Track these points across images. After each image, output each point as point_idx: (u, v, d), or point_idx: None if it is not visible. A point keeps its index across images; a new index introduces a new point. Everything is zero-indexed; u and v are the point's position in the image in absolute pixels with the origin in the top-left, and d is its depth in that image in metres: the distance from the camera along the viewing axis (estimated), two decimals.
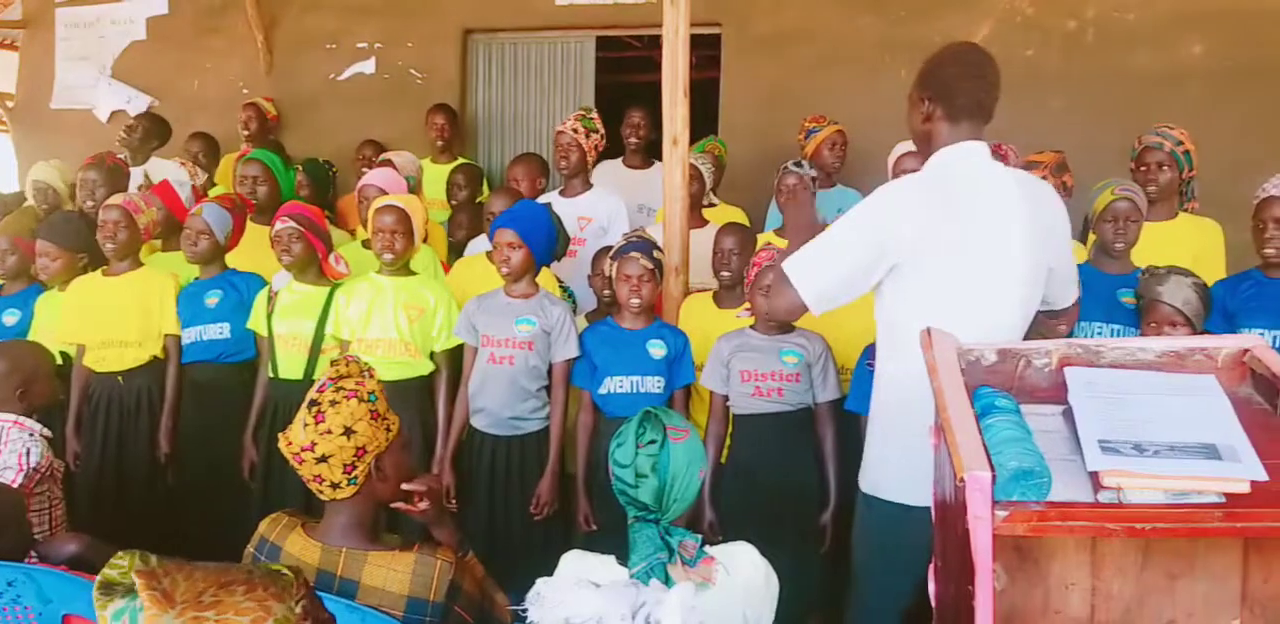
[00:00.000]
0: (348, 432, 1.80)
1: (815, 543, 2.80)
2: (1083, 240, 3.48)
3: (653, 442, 1.71)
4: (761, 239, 3.44)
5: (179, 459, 3.46)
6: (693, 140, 3.62)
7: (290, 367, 3.30)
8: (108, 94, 6.10)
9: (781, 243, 3.17)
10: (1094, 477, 1.30)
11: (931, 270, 2.05)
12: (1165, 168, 3.33)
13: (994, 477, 1.28)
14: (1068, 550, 1.43)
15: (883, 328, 2.20)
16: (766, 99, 5.09)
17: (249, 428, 3.35)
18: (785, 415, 2.86)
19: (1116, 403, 1.44)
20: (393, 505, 1.95)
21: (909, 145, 3.74)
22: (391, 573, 1.82)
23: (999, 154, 3.87)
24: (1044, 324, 2.30)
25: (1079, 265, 2.91)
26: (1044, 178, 3.35)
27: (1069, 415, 1.48)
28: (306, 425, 1.79)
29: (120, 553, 1.19)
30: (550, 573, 2.86)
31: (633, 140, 4.66)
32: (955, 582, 1.45)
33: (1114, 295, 3.00)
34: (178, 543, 3.29)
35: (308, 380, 3.27)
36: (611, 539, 2.05)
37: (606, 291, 3.41)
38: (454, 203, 4.61)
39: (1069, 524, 1.30)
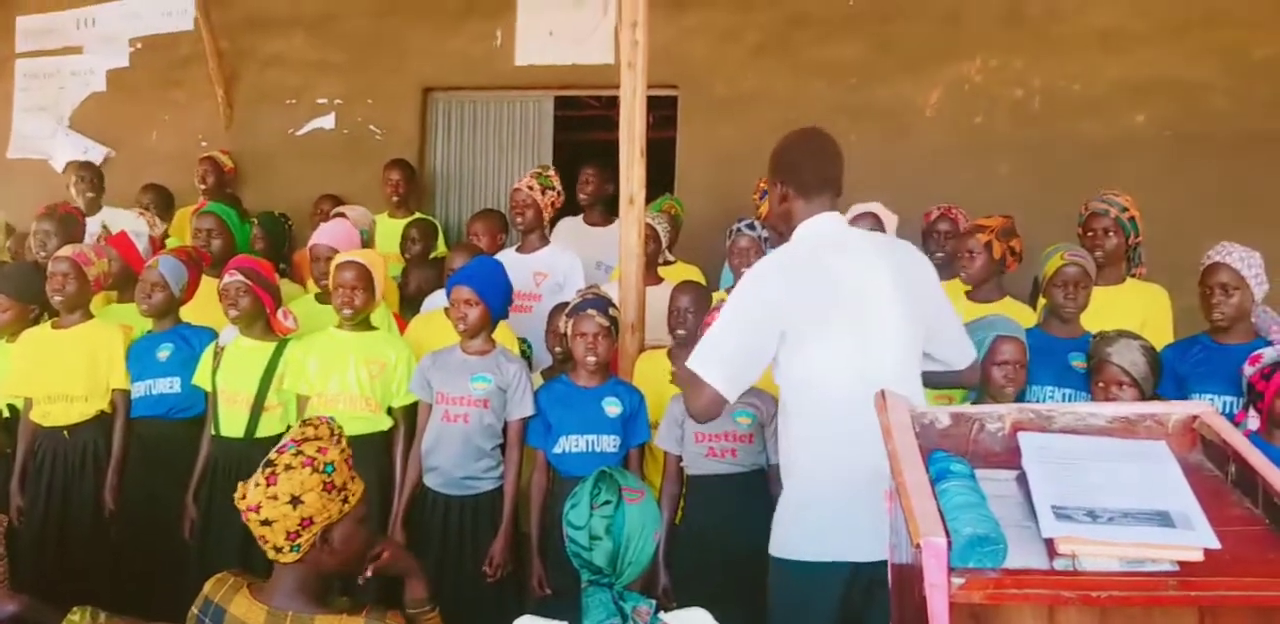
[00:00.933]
0: (294, 500, 1.75)
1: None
2: (1032, 304, 3.53)
3: (607, 502, 1.70)
4: (716, 297, 3.44)
5: (123, 516, 3.35)
6: (649, 198, 3.64)
7: (232, 424, 3.23)
8: (65, 144, 6.02)
9: None
10: (1049, 543, 1.29)
11: (814, 336, 2.18)
12: (1111, 233, 3.39)
13: (950, 543, 1.27)
14: (1024, 618, 1.40)
15: (783, 392, 2.29)
16: (722, 160, 5.16)
17: (191, 486, 3.25)
18: (739, 476, 2.83)
19: (1069, 468, 1.44)
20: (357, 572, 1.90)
21: (864, 206, 3.81)
22: None
23: (949, 217, 3.96)
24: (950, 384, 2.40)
25: (1029, 330, 2.97)
26: (990, 242, 3.41)
27: (1023, 480, 1.47)
28: (257, 485, 1.75)
29: (75, 608, 1.15)
30: None
31: (582, 197, 4.68)
32: None
33: (1065, 359, 3.02)
34: (119, 600, 3.16)
35: (249, 438, 3.20)
36: (565, 603, 2.00)
37: (558, 349, 3.39)
38: (408, 257, 4.59)
39: (1025, 592, 1.28)
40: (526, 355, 3.58)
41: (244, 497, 1.77)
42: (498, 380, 3.07)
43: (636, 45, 3.31)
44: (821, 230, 2.28)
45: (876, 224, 3.71)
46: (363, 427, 3.13)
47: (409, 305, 4.15)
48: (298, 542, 1.77)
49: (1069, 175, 4.55)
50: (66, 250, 3.47)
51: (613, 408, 3.00)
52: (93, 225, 4.53)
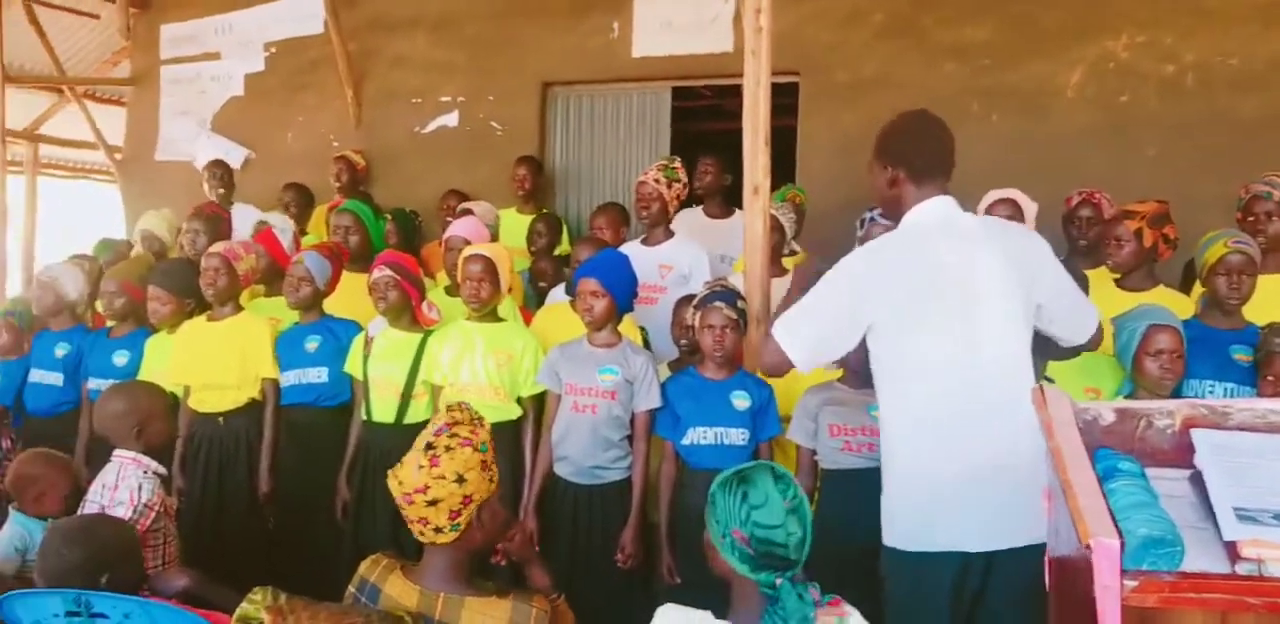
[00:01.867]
0: (460, 478, 1.82)
1: None
2: (1185, 292, 3.35)
3: (795, 497, 1.72)
4: (791, 262, 3.39)
5: (277, 498, 3.52)
6: (771, 188, 3.60)
7: (383, 410, 3.35)
8: (207, 146, 6.34)
9: None
10: (1230, 547, 1.23)
11: (910, 324, 2.16)
12: (1275, 218, 3.20)
13: (1122, 544, 1.22)
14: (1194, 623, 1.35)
15: (882, 383, 2.27)
16: (845, 147, 5.05)
17: (343, 469, 3.39)
18: (876, 471, 2.76)
19: (1250, 468, 1.37)
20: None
21: (1000, 192, 3.68)
22: (488, 619, 1.82)
23: (1092, 202, 3.79)
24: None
25: (1186, 321, 2.83)
26: (1140, 229, 3.25)
27: (1197, 480, 1.40)
28: (421, 468, 1.81)
29: (256, 588, 1.21)
30: (634, 622, 2.82)
31: (700, 188, 4.67)
32: None
33: (1226, 352, 2.87)
34: (275, 581, 3.33)
35: (399, 424, 3.32)
36: (694, 593, 2.02)
37: (684, 341, 3.40)
38: (534, 251, 4.67)
39: (1203, 596, 1.23)
40: (645, 345, 3.59)
41: (401, 482, 1.83)
42: (625, 372, 3.10)
43: (760, 32, 3.26)
44: (932, 215, 2.25)
45: (1015, 211, 3.59)
46: (492, 415, 3.13)
47: (537, 300, 4.22)
48: (458, 520, 1.85)
49: (1224, 156, 4.30)
50: (218, 247, 3.66)
51: (741, 401, 3.00)
52: (243, 222, 4.76)
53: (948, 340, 2.14)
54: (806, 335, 2.21)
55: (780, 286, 3.53)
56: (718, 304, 3.00)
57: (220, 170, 5.31)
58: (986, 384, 2.13)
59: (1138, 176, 4.26)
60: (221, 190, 5.23)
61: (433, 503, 1.81)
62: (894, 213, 2.34)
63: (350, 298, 3.69)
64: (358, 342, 3.47)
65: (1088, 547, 1.22)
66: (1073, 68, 4.71)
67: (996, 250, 2.20)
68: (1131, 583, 1.22)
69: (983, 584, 2.16)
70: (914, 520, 2.19)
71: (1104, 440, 1.58)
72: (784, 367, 2.25)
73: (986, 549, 2.13)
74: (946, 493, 2.13)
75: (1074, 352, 2.43)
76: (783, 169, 4.99)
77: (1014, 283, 2.19)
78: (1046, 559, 1.62)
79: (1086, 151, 4.57)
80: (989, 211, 3.63)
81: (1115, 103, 4.64)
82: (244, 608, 1.22)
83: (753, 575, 1.72)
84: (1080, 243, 3.71)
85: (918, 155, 2.26)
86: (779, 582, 1.69)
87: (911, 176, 2.26)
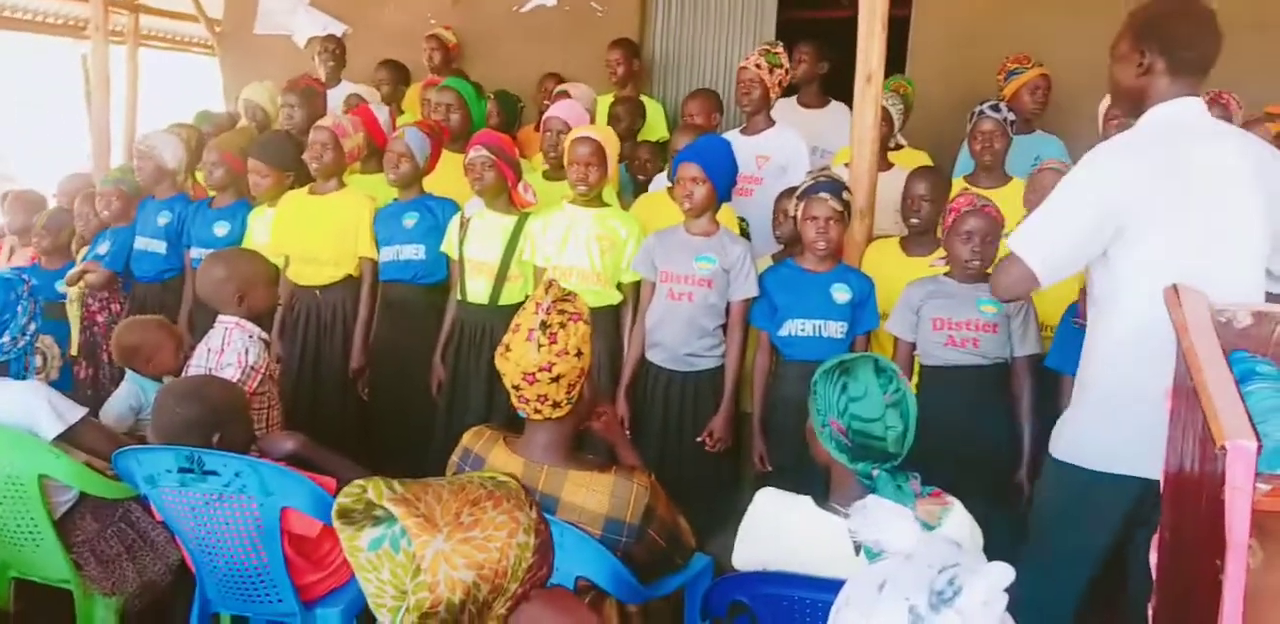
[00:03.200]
0: (578, 352, 1.85)
1: (1006, 503, 2.65)
2: None
3: (898, 391, 1.70)
4: (956, 185, 3.27)
5: (373, 373, 3.60)
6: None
7: (477, 291, 3.38)
8: (305, 21, 6.30)
9: (974, 190, 3.01)
10: None
11: (1156, 235, 1.98)
12: None
13: (1260, 447, 1.18)
14: None
15: (1099, 294, 2.10)
16: (960, 38, 4.82)
17: (438, 348, 3.46)
18: (980, 369, 2.74)
19: None
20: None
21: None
22: (590, 492, 1.86)
23: (1220, 103, 3.55)
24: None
25: None
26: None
27: None
28: (541, 346, 1.82)
29: (355, 482, 1.23)
30: (723, 507, 2.88)
31: (794, 77, 4.49)
32: (1192, 556, 1.35)
33: None
34: (369, 451, 3.49)
35: (493, 305, 3.36)
36: (784, 482, 2.04)
37: (778, 233, 3.34)
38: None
39: None
40: (745, 235, 3.55)
41: (519, 363, 1.83)
42: (722, 261, 3.07)
43: None
44: (1182, 115, 2.04)
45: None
46: (594, 299, 3.21)
47: (631, 185, 4.18)
48: (573, 394, 1.88)
49: None
50: (325, 121, 3.65)
51: (841, 294, 2.96)
52: (333, 99, 4.75)
53: (1193, 250, 1.96)
54: (1055, 248, 2.03)
55: (885, 181, 3.43)
56: (823, 195, 2.92)
57: (333, 45, 5.27)
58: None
59: (1275, 76, 3.96)
60: (332, 64, 5.21)
61: (556, 379, 1.83)
62: (1131, 105, 2.12)
63: (449, 177, 3.67)
64: (454, 222, 3.47)
65: (1222, 449, 1.18)
66: None
67: (1250, 169, 2.00)
68: (1264, 486, 1.18)
69: (1150, 514, 2.01)
70: (1103, 440, 2.07)
71: (1238, 343, 1.52)
72: (1026, 285, 2.06)
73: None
74: (1147, 418, 1.91)
75: None
76: (892, 61, 4.78)
77: (1264, 207, 1.98)
78: (1164, 460, 1.59)
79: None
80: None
81: None
82: (343, 503, 1.22)
83: (850, 465, 1.72)
84: None
85: (1190, 46, 2.02)
86: (876, 472, 1.70)
87: (1171, 69, 2.03)
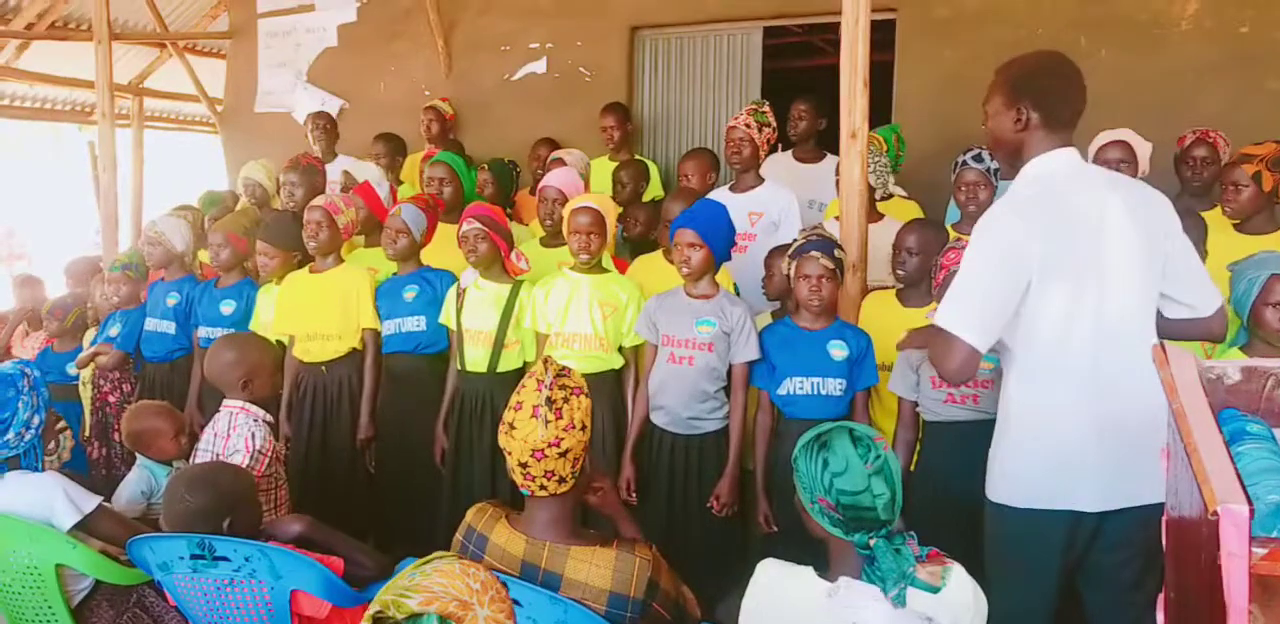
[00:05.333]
0: (583, 426, 1.86)
1: None
2: None
3: (878, 458, 1.68)
4: (953, 234, 3.29)
5: (379, 443, 3.62)
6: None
7: (476, 359, 3.41)
8: (304, 98, 6.45)
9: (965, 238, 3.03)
10: None
11: (1057, 281, 2.05)
12: None
13: (1251, 511, 1.17)
14: None
15: (1009, 341, 2.16)
16: (945, 85, 4.87)
17: (440, 417, 3.47)
18: (979, 423, 2.71)
19: None
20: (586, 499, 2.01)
21: (1112, 133, 3.51)
22: (593, 568, 1.85)
23: (1206, 141, 3.58)
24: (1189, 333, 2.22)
25: None
26: (1259, 172, 3.07)
27: None
28: (549, 422, 1.82)
29: (378, 599, 1.29)
30: (729, 570, 2.85)
31: (794, 133, 4.56)
32: (1195, 619, 1.33)
33: None
34: (378, 525, 3.47)
35: (492, 372, 3.38)
36: (790, 541, 2.03)
37: (766, 290, 3.36)
38: (619, 201, 4.62)
39: None
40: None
41: (526, 440, 1.82)
42: (722, 324, 3.07)
43: None
44: (1058, 167, 2.13)
45: (1127, 153, 3.42)
46: (597, 365, 3.25)
47: (627, 247, 4.21)
48: (577, 468, 1.89)
49: None
50: (319, 201, 3.71)
51: (838, 351, 2.96)
52: (330, 173, 4.84)
53: (1086, 293, 2.06)
54: (984, 318, 2.06)
55: (877, 232, 3.45)
56: (814, 253, 2.94)
57: (323, 121, 5.37)
58: (1114, 338, 2.06)
59: (1257, 113, 4.02)
60: (324, 140, 5.31)
61: (564, 454, 1.84)
62: (1011, 158, 2.21)
63: (445, 248, 3.72)
64: (451, 293, 3.52)
65: (1214, 514, 1.17)
66: None
67: (1123, 204, 2.09)
68: (1260, 550, 1.17)
69: (1089, 544, 2.12)
70: (1027, 477, 2.13)
71: (1229, 401, 1.51)
72: (973, 361, 2.05)
73: (1101, 509, 2.08)
74: (1065, 450, 2.07)
75: (1199, 332, 2.24)
76: (880, 107, 4.83)
77: (1144, 238, 2.09)
78: (1164, 521, 1.57)
79: (1202, 88, 4.31)
80: (1100, 153, 3.48)
81: (1234, 33, 4.35)
82: (374, 611, 1.31)
83: (846, 537, 1.71)
84: (1194, 184, 3.53)
85: (1059, 101, 2.12)
86: (873, 541, 1.68)
87: (1045, 122, 2.13)
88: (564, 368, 1.93)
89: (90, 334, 4.58)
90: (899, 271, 3.16)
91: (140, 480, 3.05)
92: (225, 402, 2.85)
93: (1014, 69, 2.19)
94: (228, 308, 3.96)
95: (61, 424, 3.12)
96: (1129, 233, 2.08)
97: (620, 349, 3.32)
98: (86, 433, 4.30)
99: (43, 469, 2.61)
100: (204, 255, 4.42)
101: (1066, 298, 2.06)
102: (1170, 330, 2.16)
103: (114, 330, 4.25)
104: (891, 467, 1.70)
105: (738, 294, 3.53)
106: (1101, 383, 2.07)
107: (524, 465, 1.86)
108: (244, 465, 2.65)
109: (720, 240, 3.09)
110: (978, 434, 2.55)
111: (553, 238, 3.83)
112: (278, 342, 3.70)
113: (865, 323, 3.15)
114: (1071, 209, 2.08)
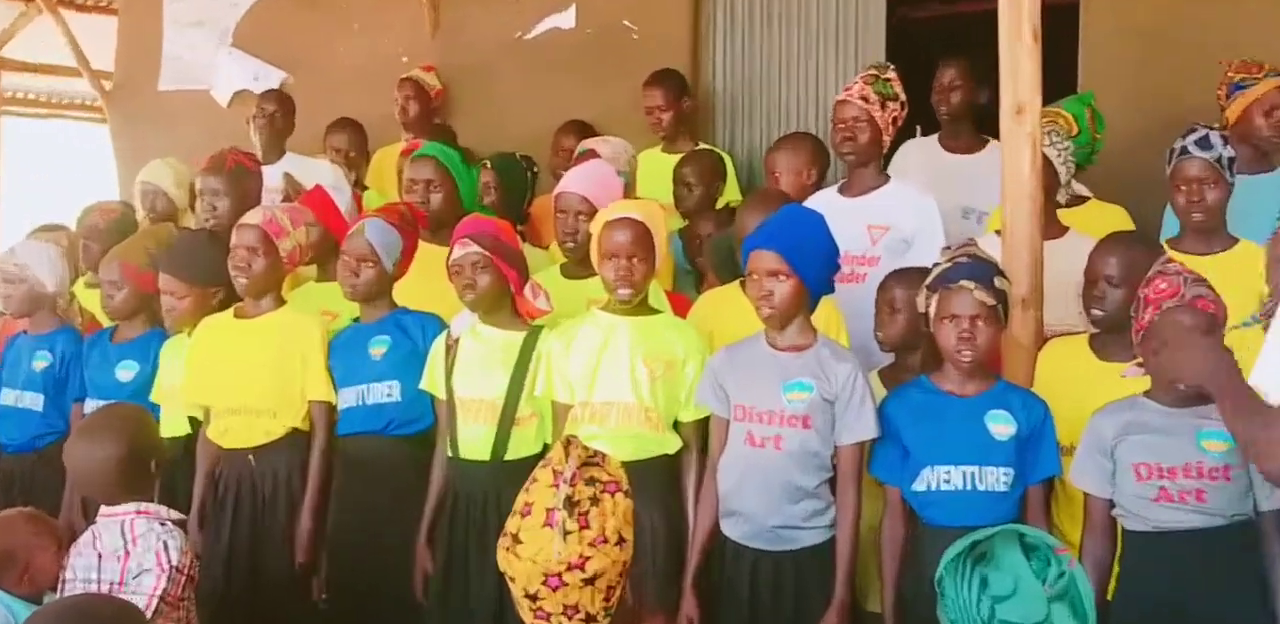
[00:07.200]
0: (620, 539, 1.88)
1: None
2: None
3: (1061, 575, 1.70)
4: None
5: (332, 568, 3.63)
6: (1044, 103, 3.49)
7: (474, 442, 3.43)
8: (229, 69, 6.62)
9: (1182, 258, 3.04)
10: None
11: None
12: None
13: None
14: None
15: None
16: (1148, 37, 4.90)
17: (422, 528, 3.49)
18: (1210, 532, 2.73)
19: None
20: None
21: None
22: None
23: None
24: None
25: None
26: None
27: None
28: (569, 534, 1.85)
29: None
30: None
31: (942, 110, 4.61)
32: None
33: None
34: None
35: (497, 460, 3.40)
36: None
37: (884, 336, 3.39)
38: (683, 209, 4.68)
39: None
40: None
41: (537, 561, 1.85)
42: (821, 388, 3.10)
43: None
44: None
45: None
46: (641, 449, 3.26)
47: (693, 278, 4.27)
48: (612, 601, 1.90)
49: None
50: (253, 216, 3.73)
51: (1002, 426, 2.98)
52: (271, 177, 4.88)
53: None
54: None
55: (1058, 252, 3.46)
56: (965, 283, 2.97)
57: (272, 106, 5.49)
58: None
59: None
60: (269, 133, 5.42)
61: (591, 580, 1.85)
62: None
63: (429, 281, 3.73)
64: (437, 346, 3.54)
65: None
66: None
67: None
68: None
69: None
70: None
71: None
72: None
73: None
74: None
75: None
76: (1057, 71, 4.81)
77: None
78: None
79: None
80: None
81: None
82: None
83: None
84: None
85: None
86: None
87: None
88: (594, 453, 1.97)
89: None
90: (1094, 310, 3.17)
91: None
92: (103, 509, 2.90)
93: None
94: (127, 373, 4.01)
95: None
96: None
97: (676, 425, 3.35)
98: None
99: None
100: (87, 297, 4.50)
101: None
102: None
103: None
104: (1080, 589, 1.72)
105: (848, 344, 3.55)
106: None
107: (533, 597, 1.88)
108: (158, 592, 2.69)
109: (815, 265, 3.13)
110: (1206, 548, 2.57)
111: (580, 265, 3.88)
112: (189, 418, 3.76)
113: (1046, 386, 3.17)
114: None
